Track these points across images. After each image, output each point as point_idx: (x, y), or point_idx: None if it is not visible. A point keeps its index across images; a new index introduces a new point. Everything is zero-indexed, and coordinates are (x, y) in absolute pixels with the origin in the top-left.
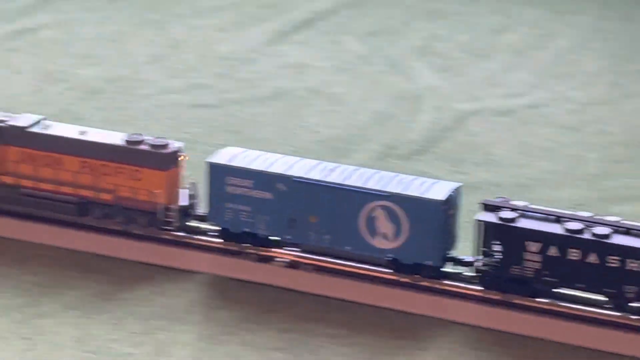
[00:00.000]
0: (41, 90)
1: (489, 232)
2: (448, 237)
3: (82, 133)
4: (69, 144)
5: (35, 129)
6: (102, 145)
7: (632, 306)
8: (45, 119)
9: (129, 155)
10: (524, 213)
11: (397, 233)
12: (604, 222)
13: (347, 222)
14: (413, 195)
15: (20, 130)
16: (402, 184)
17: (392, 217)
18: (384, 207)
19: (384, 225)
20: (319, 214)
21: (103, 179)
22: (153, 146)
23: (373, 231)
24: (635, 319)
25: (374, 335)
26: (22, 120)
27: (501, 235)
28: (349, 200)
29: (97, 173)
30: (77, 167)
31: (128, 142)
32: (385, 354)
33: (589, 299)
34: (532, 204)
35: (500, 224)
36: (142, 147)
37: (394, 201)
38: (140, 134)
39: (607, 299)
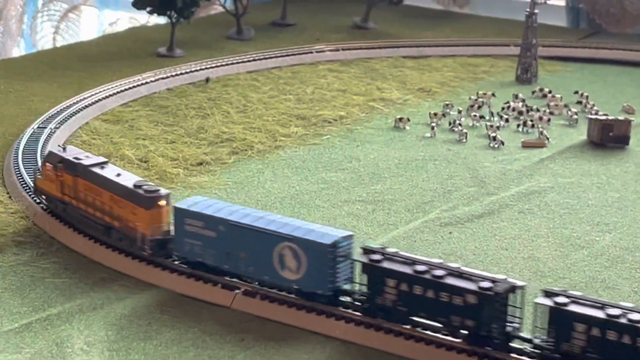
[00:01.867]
0: (567, 256)
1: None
2: (338, 273)
3: (118, 175)
4: (106, 182)
5: (94, 169)
6: (120, 186)
7: (459, 332)
8: (107, 161)
9: (131, 195)
10: (391, 257)
11: (299, 267)
12: (444, 267)
13: (264, 258)
14: (308, 239)
15: (85, 167)
16: (304, 230)
17: (295, 255)
18: (289, 247)
19: (290, 260)
20: (246, 250)
21: (117, 210)
22: (146, 191)
23: (282, 265)
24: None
25: None
26: (89, 160)
27: (369, 270)
28: (265, 240)
29: (115, 205)
30: (107, 199)
31: (134, 185)
32: None
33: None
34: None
35: (368, 263)
36: (139, 191)
37: (296, 242)
38: (147, 180)
39: (441, 325)
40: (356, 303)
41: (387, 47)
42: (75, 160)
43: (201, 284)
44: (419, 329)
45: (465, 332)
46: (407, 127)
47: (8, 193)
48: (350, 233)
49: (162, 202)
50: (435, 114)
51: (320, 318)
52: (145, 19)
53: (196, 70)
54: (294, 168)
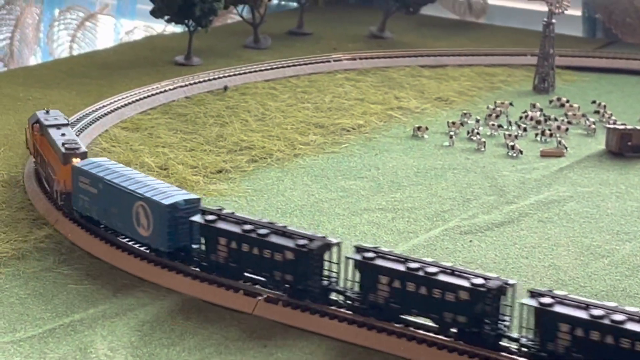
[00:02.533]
0: (587, 265)
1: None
2: (178, 233)
3: (63, 135)
4: (51, 140)
5: (51, 129)
6: (55, 144)
7: (283, 282)
8: (68, 124)
9: (58, 152)
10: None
11: (148, 225)
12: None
13: (127, 214)
14: (154, 199)
15: (45, 127)
16: (155, 191)
17: (145, 213)
18: (142, 206)
19: (142, 218)
20: (116, 206)
21: (53, 165)
22: (66, 148)
23: (138, 222)
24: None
25: None
26: (51, 121)
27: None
28: (127, 199)
29: (52, 161)
30: (51, 156)
31: (62, 143)
32: None
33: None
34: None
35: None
36: (62, 148)
37: (146, 202)
38: (76, 140)
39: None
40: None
41: (404, 56)
42: (42, 121)
43: (223, 290)
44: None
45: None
46: (426, 136)
47: (29, 200)
48: (197, 197)
49: (76, 160)
50: (453, 123)
51: (342, 325)
52: (162, 27)
53: (214, 79)
54: (313, 176)
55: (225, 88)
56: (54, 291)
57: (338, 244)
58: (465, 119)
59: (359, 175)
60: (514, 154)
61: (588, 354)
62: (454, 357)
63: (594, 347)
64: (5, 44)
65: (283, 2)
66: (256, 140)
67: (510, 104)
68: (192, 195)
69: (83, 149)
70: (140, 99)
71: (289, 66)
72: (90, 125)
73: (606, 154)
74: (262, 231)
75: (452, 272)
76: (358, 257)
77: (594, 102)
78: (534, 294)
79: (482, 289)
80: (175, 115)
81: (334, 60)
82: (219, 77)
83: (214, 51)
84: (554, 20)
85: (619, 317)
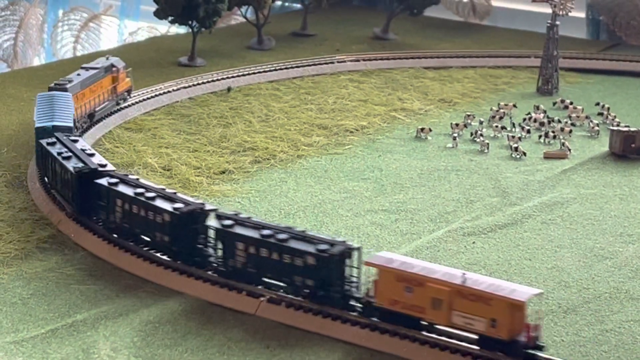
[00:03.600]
0: (591, 267)
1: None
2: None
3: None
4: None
5: None
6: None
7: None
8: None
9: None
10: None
11: None
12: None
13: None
14: None
15: None
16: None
17: None
18: None
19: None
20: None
21: None
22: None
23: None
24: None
25: None
26: None
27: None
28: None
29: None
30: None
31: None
32: None
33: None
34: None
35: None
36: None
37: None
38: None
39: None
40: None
41: (408, 57)
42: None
43: (226, 291)
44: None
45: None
46: (429, 138)
47: (32, 200)
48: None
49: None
50: (457, 125)
51: (345, 326)
52: (165, 28)
53: (218, 80)
54: (317, 177)
55: (229, 89)
56: (56, 291)
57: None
58: (469, 121)
59: (362, 177)
60: (518, 156)
61: (260, 269)
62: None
63: (264, 262)
64: (9, 45)
65: (287, 4)
66: (259, 141)
67: (514, 105)
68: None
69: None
70: (144, 99)
71: (292, 67)
72: (94, 125)
73: (610, 156)
74: (282, 236)
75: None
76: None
77: (597, 104)
78: (220, 217)
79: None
80: (179, 116)
81: (338, 62)
82: (223, 78)
83: (218, 52)
84: (558, 22)
85: (283, 236)
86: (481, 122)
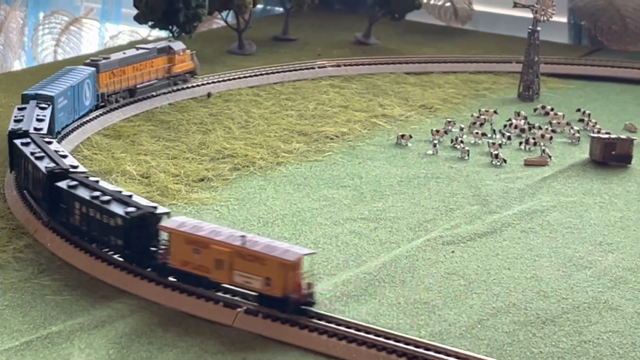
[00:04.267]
0: (570, 276)
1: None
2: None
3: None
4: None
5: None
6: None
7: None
8: None
9: None
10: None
11: None
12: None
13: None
14: None
15: None
16: None
17: None
18: None
19: None
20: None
21: None
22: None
23: None
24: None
25: None
26: None
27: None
28: None
29: None
30: None
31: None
32: None
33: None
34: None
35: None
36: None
37: None
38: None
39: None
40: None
41: (389, 63)
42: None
43: (203, 302)
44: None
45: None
46: (410, 144)
47: (9, 208)
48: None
49: None
50: (437, 131)
51: (321, 338)
52: (147, 32)
53: (198, 85)
54: (296, 185)
55: (209, 95)
56: (32, 302)
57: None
58: (450, 127)
59: (341, 184)
60: (498, 163)
61: (89, 227)
62: None
63: (91, 221)
64: None
65: (269, 7)
66: (239, 148)
67: (495, 112)
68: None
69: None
70: (123, 105)
71: (273, 73)
72: (72, 132)
73: (590, 163)
74: (105, 198)
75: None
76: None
77: (578, 110)
78: (69, 179)
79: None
80: (158, 122)
81: (319, 67)
82: (203, 84)
83: (198, 57)
84: (539, 28)
85: (106, 198)
86: (462, 129)
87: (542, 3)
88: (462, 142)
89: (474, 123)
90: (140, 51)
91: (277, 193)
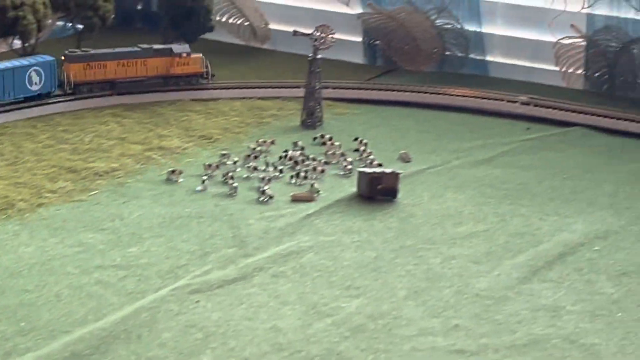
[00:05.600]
0: (310, 325)
1: None
2: None
3: None
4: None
5: None
6: None
7: None
8: None
9: None
10: None
11: None
12: None
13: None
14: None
15: None
16: None
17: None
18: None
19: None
20: None
21: None
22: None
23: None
24: None
25: None
26: None
27: None
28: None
29: None
30: None
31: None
32: None
33: None
34: None
35: None
36: None
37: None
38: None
39: None
40: None
41: (174, 90)
42: None
43: None
44: None
45: None
46: (181, 180)
47: None
48: None
49: None
50: (209, 165)
51: None
52: None
53: None
54: (53, 229)
55: None
56: None
57: None
58: (224, 160)
59: (100, 227)
60: (265, 200)
61: None
62: None
63: None
64: None
65: (69, 25)
66: (1, 189)
67: (272, 142)
68: None
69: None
70: None
71: (54, 103)
72: None
73: (357, 197)
74: None
75: None
76: None
77: (356, 139)
78: None
79: None
80: None
81: (102, 96)
82: None
83: None
84: (319, 56)
85: None
86: (235, 162)
87: (322, 32)
88: (232, 177)
89: (249, 155)
90: (130, 49)
91: (32, 239)
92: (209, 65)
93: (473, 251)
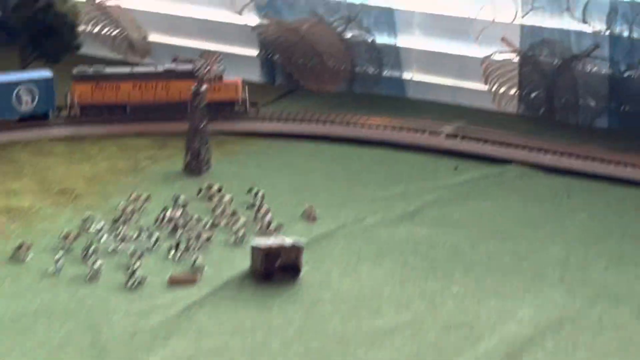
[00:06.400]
0: None
1: None
2: None
3: None
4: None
5: None
6: None
7: None
8: None
9: None
10: None
11: None
12: None
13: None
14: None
15: None
16: None
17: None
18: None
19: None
20: None
21: None
22: None
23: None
24: None
25: None
26: None
27: None
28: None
29: None
30: None
31: None
32: None
33: None
34: None
35: None
36: None
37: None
38: None
39: None
40: None
41: (31, 127)
42: None
43: None
44: None
45: None
46: (29, 258)
47: None
48: None
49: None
50: (66, 236)
51: None
52: None
53: None
54: None
55: None
56: None
57: None
58: (87, 226)
59: None
60: (134, 284)
61: None
62: None
63: None
64: None
65: None
66: None
67: (147, 198)
68: None
69: None
70: None
71: None
72: None
73: (251, 275)
74: None
75: None
76: None
77: (250, 190)
78: None
79: None
80: None
81: None
82: None
83: None
84: (204, 88)
85: None
86: (99, 230)
87: (207, 58)
88: (94, 251)
89: (118, 219)
90: (152, 69)
91: None
92: (246, 91)
93: (397, 356)
